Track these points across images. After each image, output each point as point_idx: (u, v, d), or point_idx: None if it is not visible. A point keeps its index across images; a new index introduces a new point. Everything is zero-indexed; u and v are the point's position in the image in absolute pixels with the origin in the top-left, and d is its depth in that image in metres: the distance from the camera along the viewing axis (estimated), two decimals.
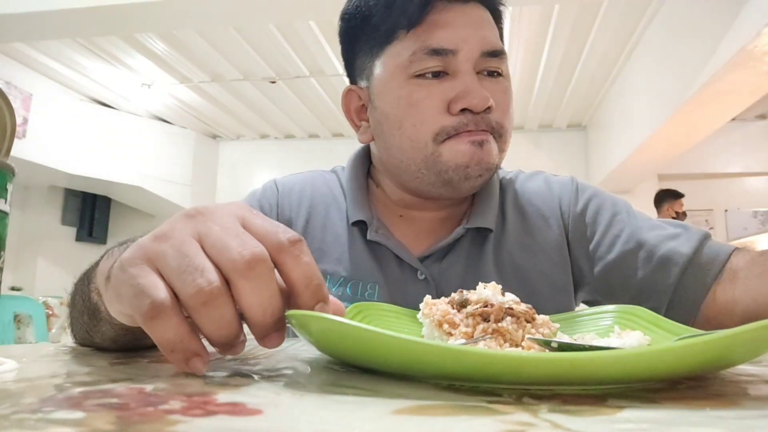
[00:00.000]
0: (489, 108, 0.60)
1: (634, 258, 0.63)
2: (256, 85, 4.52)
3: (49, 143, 4.42)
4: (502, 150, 0.63)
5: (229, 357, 0.39)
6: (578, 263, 0.68)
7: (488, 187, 0.70)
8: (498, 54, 0.61)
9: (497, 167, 0.64)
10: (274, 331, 0.31)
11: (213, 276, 0.29)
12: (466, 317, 0.38)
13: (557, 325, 0.40)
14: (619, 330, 0.40)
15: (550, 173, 0.77)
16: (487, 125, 0.60)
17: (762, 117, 5.04)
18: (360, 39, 0.66)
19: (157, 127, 5.31)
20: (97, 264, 0.44)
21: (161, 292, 0.29)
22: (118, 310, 0.33)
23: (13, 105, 0.39)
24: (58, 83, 4.56)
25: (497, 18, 0.66)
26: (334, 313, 0.31)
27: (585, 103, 4.84)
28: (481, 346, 0.35)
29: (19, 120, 4.19)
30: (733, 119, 3.67)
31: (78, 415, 0.20)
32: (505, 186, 0.74)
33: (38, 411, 0.21)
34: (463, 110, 0.59)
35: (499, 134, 0.62)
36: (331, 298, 0.34)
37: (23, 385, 0.27)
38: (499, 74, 0.63)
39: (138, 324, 0.30)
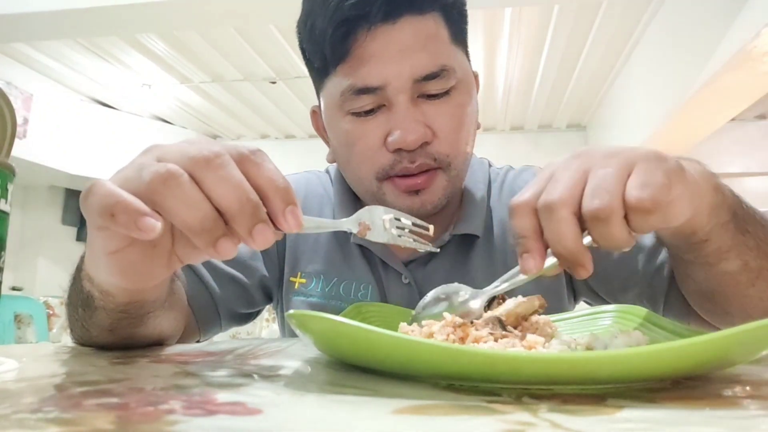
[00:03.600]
0: (426, 142, 0.56)
1: (634, 260, 0.62)
2: (257, 85, 4.51)
3: (49, 143, 4.42)
4: (454, 177, 0.60)
5: (229, 356, 0.39)
6: None
7: (475, 191, 0.69)
8: (435, 76, 0.56)
9: (452, 193, 0.62)
10: (258, 221, 0.31)
11: (170, 164, 0.30)
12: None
13: (557, 326, 0.40)
14: (619, 330, 0.40)
15: (540, 167, 0.75)
16: (425, 160, 0.57)
17: (761, 117, 5.04)
18: (308, 68, 0.64)
19: (158, 127, 5.30)
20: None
21: (107, 180, 0.30)
22: (99, 250, 0.33)
23: (14, 105, 0.39)
24: (59, 83, 4.56)
25: (449, 15, 0.58)
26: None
27: (585, 103, 4.83)
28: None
29: (19, 120, 4.19)
30: (733, 119, 3.67)
31: (78, 414, 0.20)
32: (493, 186, 0.72)
33: (38, 411, 0.21)
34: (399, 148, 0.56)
35: (446, 164, 0.59)
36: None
37: (23, 384, 0.27)
38: (446, 93, 0.57)
39: (115, 240, 0.31)
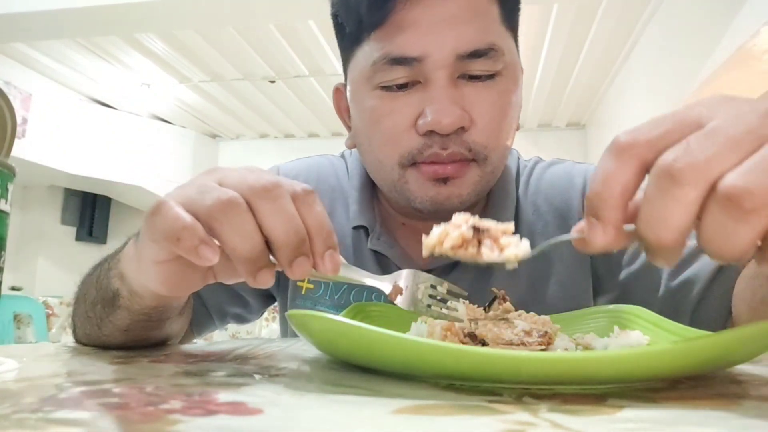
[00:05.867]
0: (463, 127, 0.51)
1: (656, 278, 0.56)
2: (256, 84, 4.51)
3: (48, 143, 4.42)
4: (489, 173, 0.54)
5: (229, 356, 0.39)
6: (597, 269, 0.61)
7: (503, 192, 0.63)
8: (482, 54, 0.50)
9: (483, 191, 0.56)
10: (300, 255, 0.32)
11: (231, 191, 0.31)
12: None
13: (558, 326, 0.40)
14: (619, 330, 0.40)
15: (573, 161, 0.67)
16: (458, 148, 0.51)
17: None
18: (338, 38, 0.59)
19: (157, 126, 5.30)
20: (118, 251, 0.44)
21: (172, 200, 0.31)
22: (148, 258, 0.34)
23: (13, 105, 0.39)
24: (58, 83, 4.56)
25: None
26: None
27: (584, 102, 4.83)
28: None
29: (19, 120, 4.17)
30: None
31: (78, 414, 0.20)
32: (520, 181, 0.65)
33: (38, 411, 0.21)
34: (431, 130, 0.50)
35: (482, 156, 0.52)
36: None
37: (23, 384, 0.27)
38: (490, 76, 0.51)
39: (167, 251, 0.32)
